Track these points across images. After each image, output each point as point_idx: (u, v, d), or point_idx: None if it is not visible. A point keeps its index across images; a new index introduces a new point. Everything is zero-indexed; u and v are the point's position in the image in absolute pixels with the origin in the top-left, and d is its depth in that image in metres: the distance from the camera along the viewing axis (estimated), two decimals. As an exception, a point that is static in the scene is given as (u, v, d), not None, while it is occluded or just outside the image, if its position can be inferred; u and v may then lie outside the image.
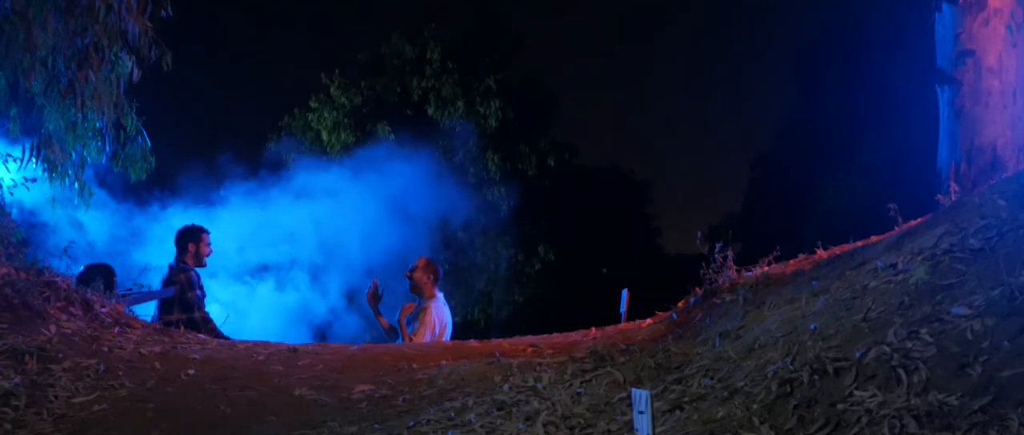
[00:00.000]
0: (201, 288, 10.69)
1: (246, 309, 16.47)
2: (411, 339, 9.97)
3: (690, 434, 4.92)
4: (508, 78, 25.53)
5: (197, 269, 10.72)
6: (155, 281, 10.79)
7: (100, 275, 9.58)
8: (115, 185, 13.32)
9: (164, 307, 10.34)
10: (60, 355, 6.91)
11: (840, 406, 4.51)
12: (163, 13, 9.42)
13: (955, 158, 8.59)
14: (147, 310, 10.38)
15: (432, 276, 10.51)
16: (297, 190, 19.15)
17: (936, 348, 4.62)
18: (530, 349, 7.55)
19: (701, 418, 5.08)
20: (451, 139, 24.61)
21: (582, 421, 5.55)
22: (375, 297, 10.74)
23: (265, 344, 8.24)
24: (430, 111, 24.32)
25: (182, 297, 10.38)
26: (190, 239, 10.75)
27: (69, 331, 7.43)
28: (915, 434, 4.11)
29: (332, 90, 24.75)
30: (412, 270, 10.58)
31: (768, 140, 38.50)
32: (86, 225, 13.28)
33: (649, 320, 8.31)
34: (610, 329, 8.34)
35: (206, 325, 10.23)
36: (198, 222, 11.22)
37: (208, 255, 10.87)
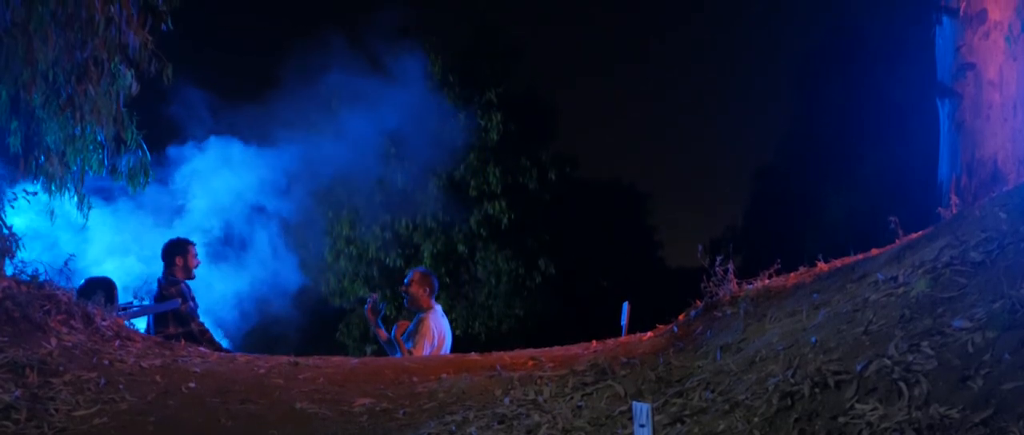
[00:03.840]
0: (193, 300, 10.70)
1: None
2: (410, 353, 9.96)
3: (691, 447, 4.92)
4: (509, 91, 25.53)
5: (186, 281, 10.73)
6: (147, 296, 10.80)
7: (101, 289, 9.58)
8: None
9: (159, 322, 10.33)
10: (61, 368, 6.91)
11: (841, 419, 4.51)
12: (163, 27, 9.42)
13: (956, 171, 8.59)
14: (140, 325, 10.39)
15: (428, 289, 10.51)
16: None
17: (937, 361, 4.62)
18: (531, 362, 7.55)
19: (702, 431, 5.09)
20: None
21: (583, 434, 5.55)
22: (374, 311, 10.75)
23: (266, 357, 8.24)
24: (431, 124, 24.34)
25: (177, 310, 10.37)
26: (177, 252, 10.75)
27: (70, 344, 7.42)
28: (916, 447, 4.12)
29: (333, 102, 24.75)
30: (408, 284, 10.58)
31: (769, 153, 38.53)
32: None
33: (650, 333, 8.30)
34: (611, 342, 8.33)
35: (204, 336, 10.23)
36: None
37: (196, 266, 10.87)
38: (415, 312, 10.54)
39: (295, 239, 23.28)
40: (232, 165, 17.32)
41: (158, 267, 10.90)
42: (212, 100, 17.87)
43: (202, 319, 10.80)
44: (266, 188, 19.01)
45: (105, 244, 13.53)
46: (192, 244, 10.96)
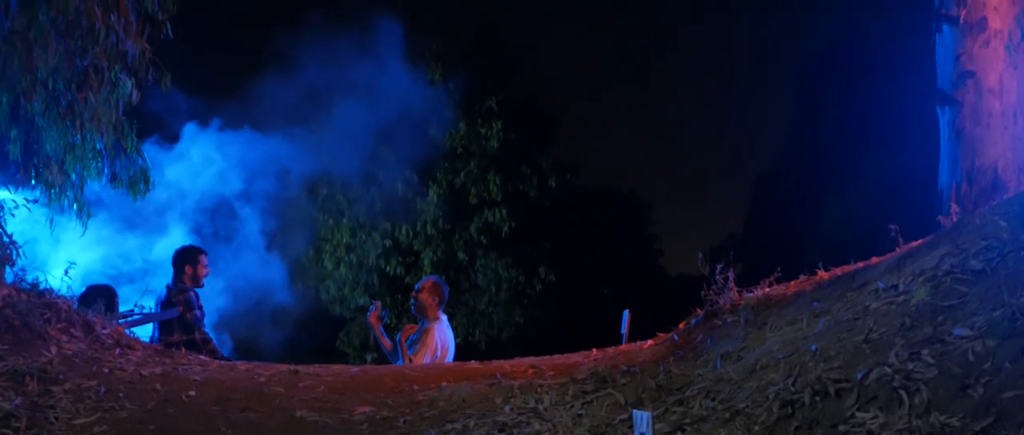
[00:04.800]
0: (200, 309, 10.71)
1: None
2: (411, 360, 9.95)
3: (691, 456, 4.92)
4: (509, 99, 25.52)
5: (195, 290, 10.74)
6: (152, 302, 10.81)
7: (101, 297, 9.59)
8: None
9: (164, 329, 10.36)
10: (61, 377, 6.90)
11: (842, 428, 4.51)
12: (162, 36, 9.43)
13: (956, 179, 8.59)
14: (145, 331, 10.39)
15: (437, 299, 10.49)
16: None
17: (937, 369, 4.62)
18: (531, 370, 7.54)
19: (702, 440, 5.08)
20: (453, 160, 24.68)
21: (583, 443, 5.55)
22: (378, 318, 10.74)
23: (266, 365, 8.23)
24: (431, 132, 24.34)
25: (182, 318, 10.39)
26: (187, 260, 10.78)
27: (70, 352, 7.41)
28: (917, 456, 4.11)
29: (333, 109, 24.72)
30: (418, 290, 10.57)
31: (769, 161, 38.56)
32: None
33: (650, 341, 8.29)
34: (611, 350, 8.32)
35: (206, 346, 10.23)
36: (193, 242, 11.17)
37: (205, 276, 10.89)
38: (421, 319, 10.53)
39: (293, 246, 23.28)
40: (228, 172, 17.23)
41: (129, 265, 10.89)
42: (208, 106, 17.81)
43: (209, 329, 10.82)
44: (264, 195, 18.93)
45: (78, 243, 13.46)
46: (203, 253, 10.99)
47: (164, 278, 11.20)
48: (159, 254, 14.73)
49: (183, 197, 16.29)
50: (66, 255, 11.65)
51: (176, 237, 15.11)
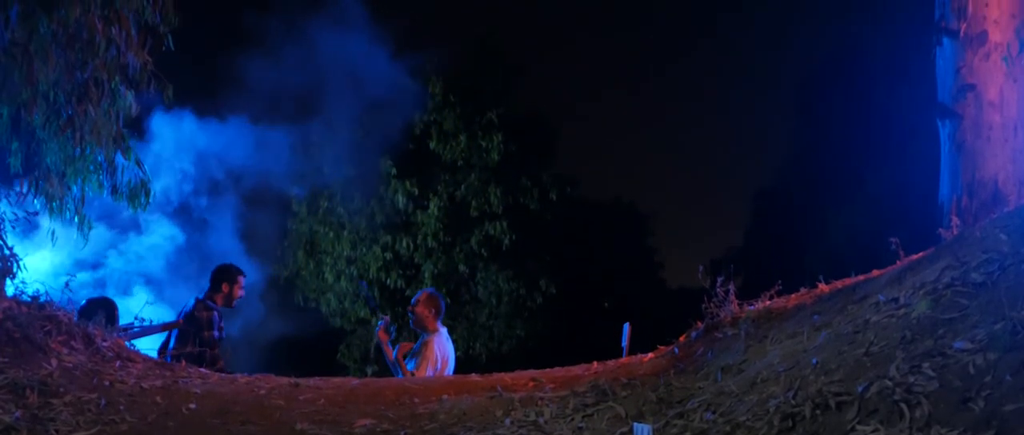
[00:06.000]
0: (220, 329, 10.73)
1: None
2: (412, 375, 9.94)
3: (692, 469, 4.91)
4: (510, 112, 25.53)
5: (222, 309, 10.77)
6: (172, 313, 10.83)
7: (102, 309, 9.59)
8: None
9: (181, 339, 10.39)
10: (61, 389, 6.89)
11: (842, 441, 4.50)
12: (164, 48, 9.44)
13: (957, 192, 8.59)
14: (158, 340, 10.42)
15: (434, 310, 10.48)
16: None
17: (938, 382, 4.61)
18: (532, 383, 7.53)
19: (703, 453, 5.07)
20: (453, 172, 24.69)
21: (584, 456, 5.54)
22: (386, 333, 10.75)
23: (267, 378, 8.22)
24: (432, 145, 24.35)
25: (199, 333, 10.40)
26: (225, 279, 10.82)
27: (70, 365, 7.41)
28: (918, 469, 4.10)
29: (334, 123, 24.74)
30: (414, 304, 10.57)
31: (770, 174, 38.58)
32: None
33: (651, 354, 8.28)
34: (612, 363, 8.32)
35: (214, 365, 10.22)
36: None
37: (239, 298, 10.91)
38: (420, 333, 10.52)
39: (293, 257, 23.24)
40: (226, 179, 17.21)
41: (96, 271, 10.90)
42: (205, 111, 17.81)
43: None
44: (263, 205, 18.90)
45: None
46: (242, 274, 11.01)
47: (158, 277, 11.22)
48: (140, 252, 14.72)
49: (172, 204, 16.29)
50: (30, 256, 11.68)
51: (158, 238, 15.09)
